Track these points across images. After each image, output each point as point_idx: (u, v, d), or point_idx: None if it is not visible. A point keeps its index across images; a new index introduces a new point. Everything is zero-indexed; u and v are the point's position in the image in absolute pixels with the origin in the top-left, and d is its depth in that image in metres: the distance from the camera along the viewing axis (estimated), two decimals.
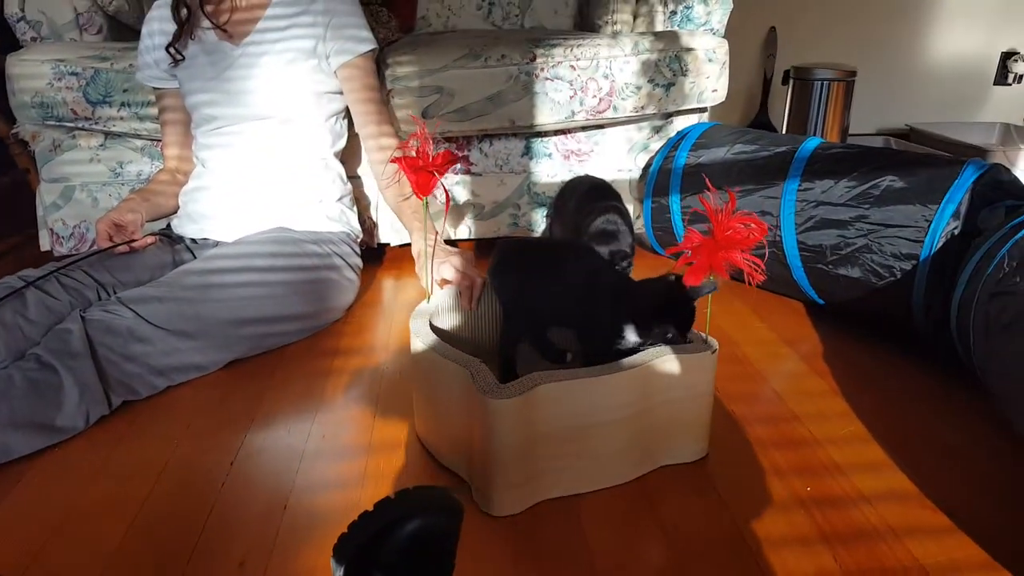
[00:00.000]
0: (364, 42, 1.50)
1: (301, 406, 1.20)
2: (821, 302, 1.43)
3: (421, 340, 1.00)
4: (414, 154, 1.00)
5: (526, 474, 0.92)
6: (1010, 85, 2.89)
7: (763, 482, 0.99)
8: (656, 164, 1.75)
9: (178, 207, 1.55)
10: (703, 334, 1.01)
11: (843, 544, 0.87)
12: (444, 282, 1.18)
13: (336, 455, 1.07)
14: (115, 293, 1.29)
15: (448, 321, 1.18)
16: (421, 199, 1.03)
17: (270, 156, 1.48)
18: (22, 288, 1.21)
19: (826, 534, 0.89)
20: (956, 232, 1.16)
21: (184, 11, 1.45)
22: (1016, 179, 1.22)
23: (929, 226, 1.18)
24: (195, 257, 1.47)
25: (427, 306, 1.11)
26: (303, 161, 1.51)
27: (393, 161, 1.02)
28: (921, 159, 1.28)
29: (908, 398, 1.18)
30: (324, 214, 1.52)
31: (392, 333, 1.47)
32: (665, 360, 0.95)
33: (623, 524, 0.92)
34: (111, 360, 1.14)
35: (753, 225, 0.90)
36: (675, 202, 1.66)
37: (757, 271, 0.90)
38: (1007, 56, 2.86)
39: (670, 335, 0.97)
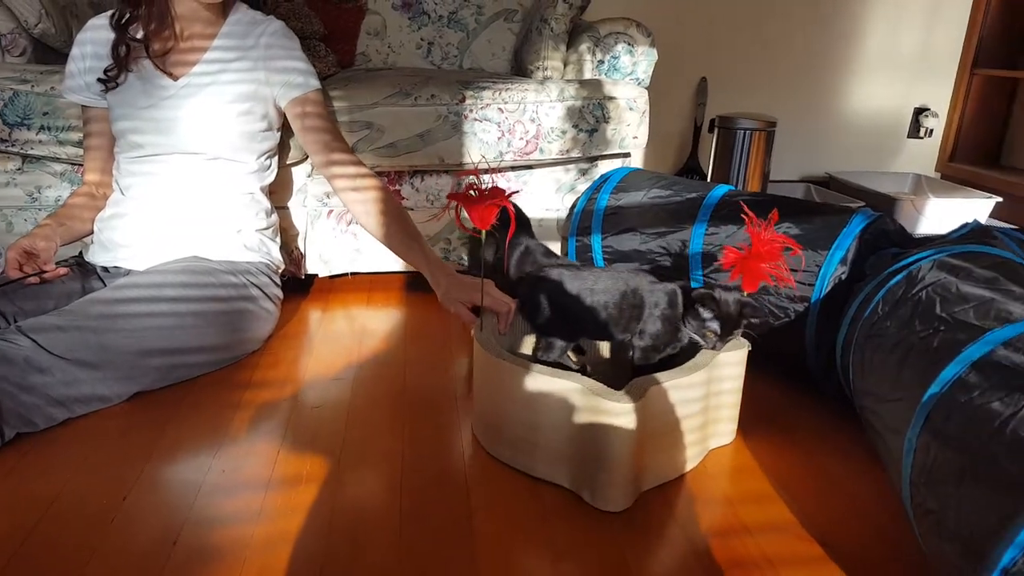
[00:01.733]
0: (309, 80, 1.52)
1: (204, 439, 1.19)
2: None
3: (513, 363, 1.07)
4: (466, 191, 1.11)
5: (636, 470, 1.03)
6: (922, 138, 3.06)
7: (650, 513, 1.02)
8: (580, 205, 1.79)
9: (93, 231, 1.53)
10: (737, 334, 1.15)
11: None
12: (481, 308, 1.23)
13: (233, 490, 1.06)
14: (15, 321, 1.27)
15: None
16: (478, 233, 1.13)
17: (193, 189, 1.48)
18: None
19: (706, 564, 0.91)
20: (844, 277, 1.22)
21: (123, 49, 1.43)
22: (902, 228, 1.29)
23: (819, 271, 1.24)
24: (105, 286, 1.46)
25: (483, 333, 1.18)
26: (227, 196, 1.51)
27: (451, 197, 1.12)
28: (816, 208, 1.34)
29: (798, 432, 1.23)
30: (242, 244, 1.51)
31: (309, 366, 1.46)
32: (721, 356, 1.11)
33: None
34: (6, 390, 1.12)
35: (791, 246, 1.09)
36: (596, 241, 1.71)
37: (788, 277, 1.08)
38: (919, 111, 3.02)
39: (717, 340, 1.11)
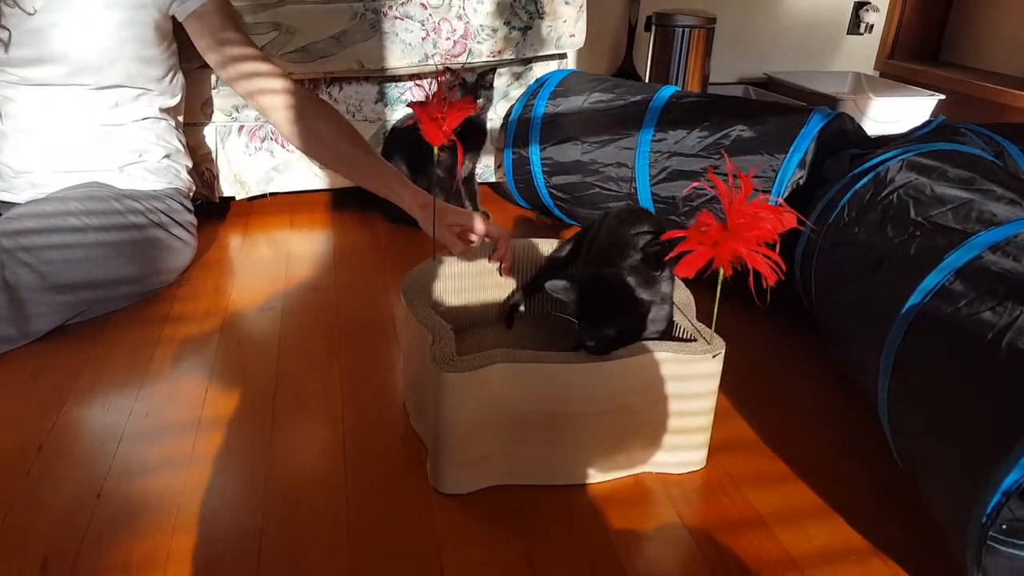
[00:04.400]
0: None
1: (124, 380, 1.09)
2: None
3: (407, 299, 0.95)
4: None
5: (478, 454, 0.85)
6: (862, 34, 2.99)
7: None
8: (515, 113, 1.69)
9: None
10: (708, 330, 0.87)
11: (685, 500, 0.87)
12: (471, 236, 1.09)
13: (160, 434, 0.97)
14: None
15: (442, 288, 1.10)
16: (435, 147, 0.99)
17: (83, 118, 1.29)
18: None
19: (670, 490, 0.88)
20: (802, 182, 1.17)
21: None
22: (860, 127, 1.24)
23: (776, 176, 1.19)
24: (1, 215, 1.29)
25: (429, 266, 1.05)
26: (125, 122, 1.33)
27: (410, 106, 0.96)
28: (770, 108, 1.28)
29: (754, 348, 1.20)
30: (144, 169, 1.35)
31: (233, 296, 1.35)
32: (656, 358, 0.83)
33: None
34: None
35: (772, 216, 0.74)
36: (535, 152, 1.61)
37: (774, 271, 0.73)
38: (859, 6, 2.95)
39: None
